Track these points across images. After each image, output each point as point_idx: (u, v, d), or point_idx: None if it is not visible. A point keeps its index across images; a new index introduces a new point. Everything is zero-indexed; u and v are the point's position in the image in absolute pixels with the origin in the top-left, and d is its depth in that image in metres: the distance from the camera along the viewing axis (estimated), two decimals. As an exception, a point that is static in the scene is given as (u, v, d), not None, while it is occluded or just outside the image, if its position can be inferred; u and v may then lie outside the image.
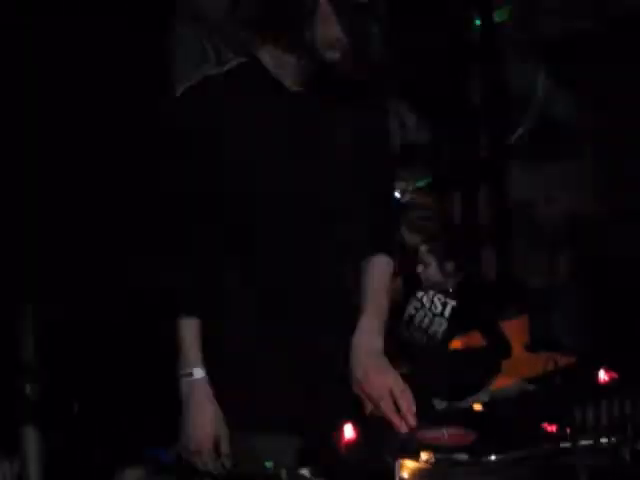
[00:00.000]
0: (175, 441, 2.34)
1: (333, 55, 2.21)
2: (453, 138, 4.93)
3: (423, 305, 3.61)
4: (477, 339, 3.58)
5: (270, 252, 2.31)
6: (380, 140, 2.46)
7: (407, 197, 4.05)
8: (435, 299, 3.61)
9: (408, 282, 3.62)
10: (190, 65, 3.23)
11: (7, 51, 3.15)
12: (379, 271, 2.42)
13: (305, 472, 2.04)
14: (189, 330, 2.31)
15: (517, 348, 3.81)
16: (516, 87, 4.82)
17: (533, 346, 3.90)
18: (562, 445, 2.03)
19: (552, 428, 2.08)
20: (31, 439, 3.10)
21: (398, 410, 2.18)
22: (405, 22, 3.47)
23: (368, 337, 2.32)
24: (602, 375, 2.28)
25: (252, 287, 2.33)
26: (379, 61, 2.26)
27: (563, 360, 3.67)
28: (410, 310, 3.62)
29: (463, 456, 2.02)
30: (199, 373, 2.29)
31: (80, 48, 3.24)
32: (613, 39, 4.47)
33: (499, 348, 3.58)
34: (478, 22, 4.90)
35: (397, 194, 3.66)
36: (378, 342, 2.33)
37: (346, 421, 2.09)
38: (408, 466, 1.97)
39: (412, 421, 2.17)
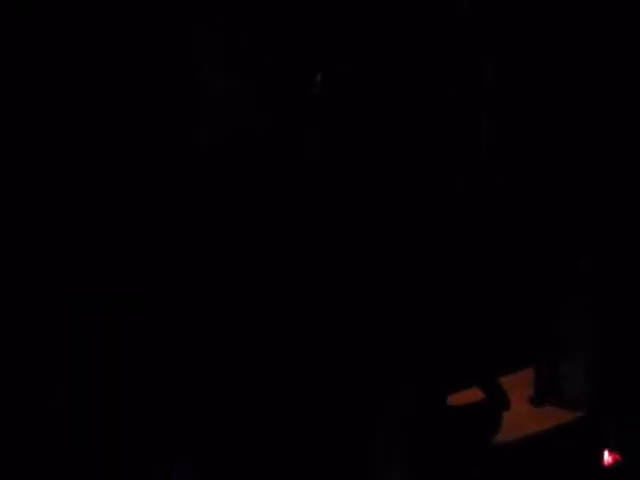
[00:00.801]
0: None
1: None
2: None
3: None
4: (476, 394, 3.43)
5: None
6: None
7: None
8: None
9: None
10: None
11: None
12: None
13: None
14: None
15: (520, 401, 3.66)
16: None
17: (537, 399, 3.75)
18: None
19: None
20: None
21: None
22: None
23: None
24: (606, 457, 2.15)
25: None
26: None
27: (567, 416, 3.53)
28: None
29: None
30: None
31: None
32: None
33: (498, 401, 3.43)
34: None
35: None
36: None
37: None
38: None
39: None
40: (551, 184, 4.13)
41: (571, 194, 3.93)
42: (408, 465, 2.48)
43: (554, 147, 3.97)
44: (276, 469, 2.98)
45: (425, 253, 2.72)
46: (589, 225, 3.96)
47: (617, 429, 3.60)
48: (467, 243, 3.04)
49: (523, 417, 3.50)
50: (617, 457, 2.04)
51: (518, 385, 3.75)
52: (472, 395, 3.31)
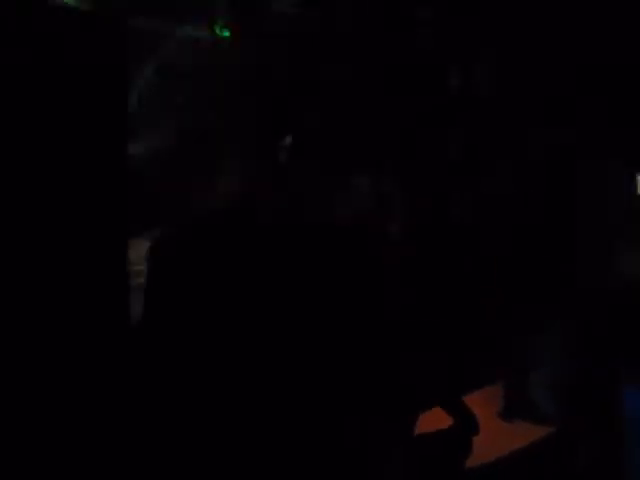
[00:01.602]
0: None
1: None
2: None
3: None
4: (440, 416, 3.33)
5: None
6: None
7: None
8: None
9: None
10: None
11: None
12: None
13: None
14: None
15: (490, 417, 3.60)
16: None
17: (506, 414, 3.69)
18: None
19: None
20: None
21: None
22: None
23: None
24: None
25: None
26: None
27: (539, 432, 3.48)
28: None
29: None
30: None
31: None
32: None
33: (468, 426, 3.34)
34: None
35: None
36: None
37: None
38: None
39: None
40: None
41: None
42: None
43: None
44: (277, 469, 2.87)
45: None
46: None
47: (587, 443, 3.57)
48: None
49: (494, 434, 3.43)
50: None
51: (485, 401, 3.70)
52: (434, 418, 3.18)
